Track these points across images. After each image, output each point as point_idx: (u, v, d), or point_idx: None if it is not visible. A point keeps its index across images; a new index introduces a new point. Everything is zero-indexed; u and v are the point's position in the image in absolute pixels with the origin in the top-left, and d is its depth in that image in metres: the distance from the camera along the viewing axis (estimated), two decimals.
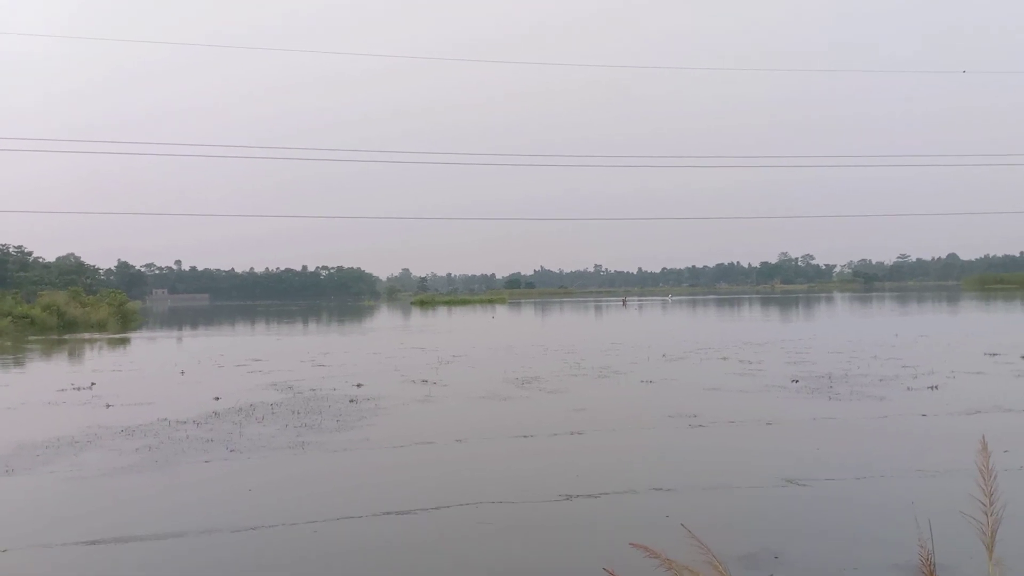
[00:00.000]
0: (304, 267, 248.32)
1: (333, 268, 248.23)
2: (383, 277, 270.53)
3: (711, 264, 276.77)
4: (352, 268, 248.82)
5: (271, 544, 6.47)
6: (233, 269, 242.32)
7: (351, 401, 14.28)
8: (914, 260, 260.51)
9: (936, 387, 14.42)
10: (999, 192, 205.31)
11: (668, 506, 7.20)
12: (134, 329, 48.67)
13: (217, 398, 14.97)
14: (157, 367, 23.21)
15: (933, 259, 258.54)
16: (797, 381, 15.74)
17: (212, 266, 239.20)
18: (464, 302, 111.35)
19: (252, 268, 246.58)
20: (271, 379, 18.20)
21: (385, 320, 59.87)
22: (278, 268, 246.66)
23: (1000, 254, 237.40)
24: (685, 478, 8.24)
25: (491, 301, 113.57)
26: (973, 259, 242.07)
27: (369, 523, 6.93)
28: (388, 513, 7.15)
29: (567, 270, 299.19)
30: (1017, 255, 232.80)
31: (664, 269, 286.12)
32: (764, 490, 7.78)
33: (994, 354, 20.16)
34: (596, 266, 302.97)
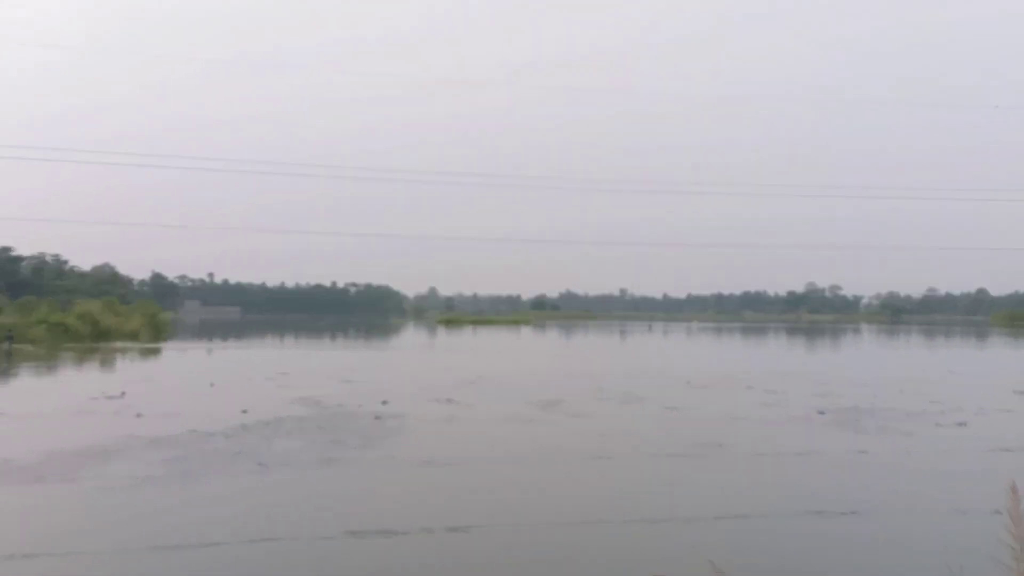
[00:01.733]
0: (333, 283, 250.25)
1: (362, 285, 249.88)
2: (410, 295, 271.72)
3: (737, 292, 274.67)
4: (380, 286, 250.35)
5: (297, 557, 6.56)
6: (264, 283, 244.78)
7: (376, 418, 14.41)
8: (943, 294, 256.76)
9: (965, 423, 14.26)
10: None
11: (694, 537, 7.21)
12: (166, 340, 49.25)
13: (245, 411, 15.10)
14: (187, 378, 23.46)
15: (962, 293, 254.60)
16: (823, 413, 15.62)
17: (244, 279, 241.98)
18: (490, 322, 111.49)
19: (283, 283, 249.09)
20: (299, 394, 18.36)
21: (411, 338, 60.14)
22: (308, 284, 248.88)
23: None
24: (712, 508, 8.23)
25: (516, 322, 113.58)
26: (1003, 295, 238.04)
27: (392, 540, 7.00)
28: (412, 532, 7.23)
29: (592, 293, 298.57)
30: None
31: (689, 295, 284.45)
32: (790, 522, 7.76)
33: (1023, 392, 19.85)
34: (621, 290, 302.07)
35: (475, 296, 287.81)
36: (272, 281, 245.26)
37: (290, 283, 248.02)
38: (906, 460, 10.99)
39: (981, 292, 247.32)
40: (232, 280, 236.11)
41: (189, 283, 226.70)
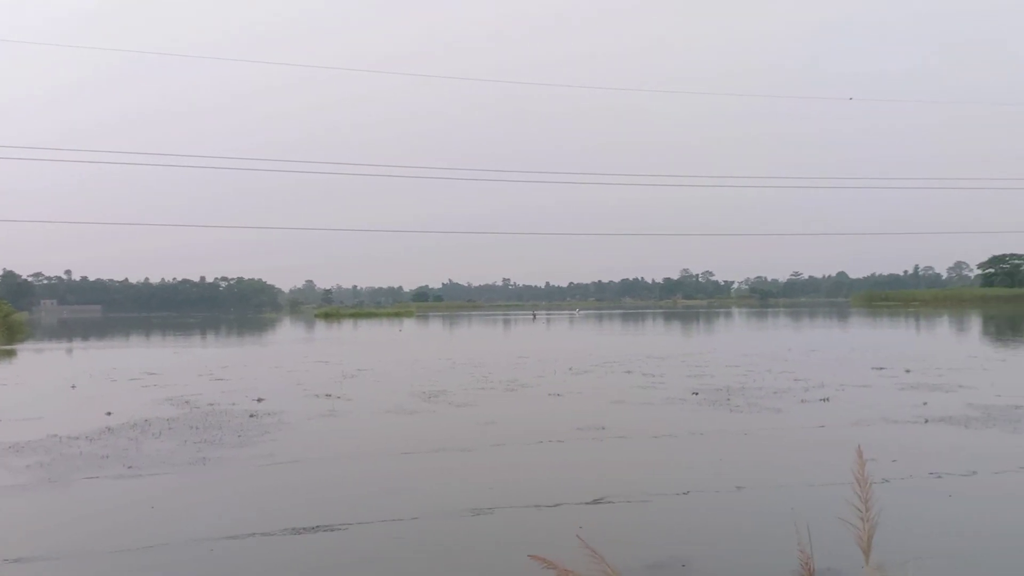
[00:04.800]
0: (202, 278, 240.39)
1: (233, 279, 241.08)
2: (286, 289, 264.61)
3: (616, 279, 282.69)
4: (253, 279, 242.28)
5: (174, 561, 6.16)
6: (127, 279, 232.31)
7: (251, 416, 13.83)
8: (806, 277, 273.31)
9: (827, 399, 15.05)
10: (885, 213, 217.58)
11: (582, 518, 7.23)
12: (20, 341, 45.98)
13: (110, 413, 14.27)
14: (46, 381, 21.98)
15: (824, 277, 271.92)
16: (697, 394, 16.16)
17: (105, 276, 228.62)
18: (370, 315, 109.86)
19: (147, 279, 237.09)
20: (167, 393, 17.46)
21: (287, 333, 58.44)
22: (175, 279, 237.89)
23: (886, 273, 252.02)
24: (596, 490, 8.29)
25: (398, 314, 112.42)
26: (861, 277, 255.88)
27: (275, 541, 6.68)
28: (295, 530, 6.93)
29: (476, 283, 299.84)
30: (901, 274, 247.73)
31: (571, 284, 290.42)
32: (672, 500, 7.91)
33: (880, 368, 21.22)
34: (505, 280, 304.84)
35: (355, 288, 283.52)
36: (136, 277, 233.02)
37: (155, 279, 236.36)
38: (775, 436, 11.46)
39: (841, 275, 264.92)
40: (92, 277, 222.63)
41: (44, 281, 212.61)
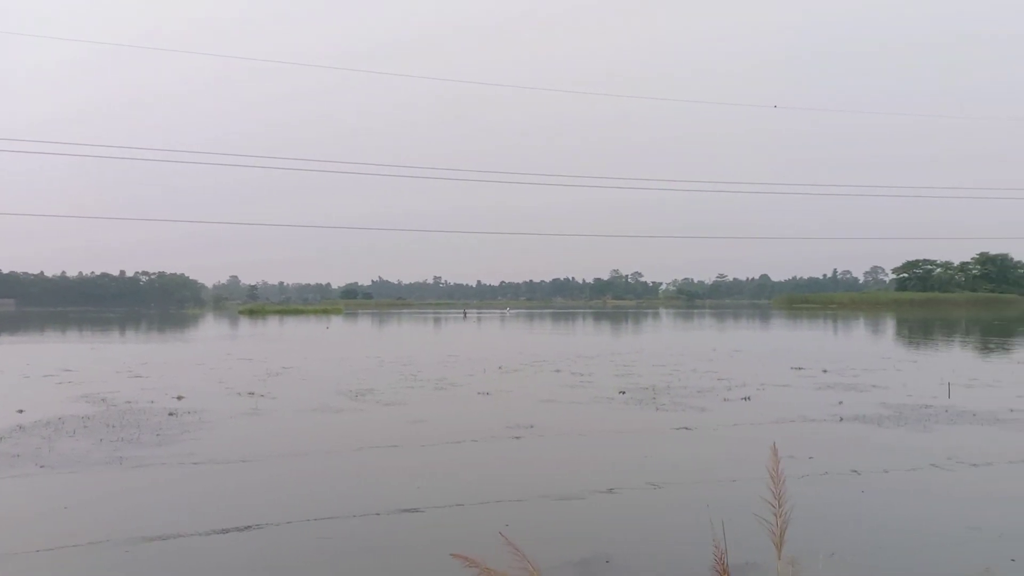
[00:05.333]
0: (122, 272, 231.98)
1: (154, 274, 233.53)
2: (209, 284, 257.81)
3: (548, 279, 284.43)
4: (175, 274, 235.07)
5: (88, 563, 5.92)
6: (43, 273, 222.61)
7: (171, 414, 13.42)
8: (731, 280, 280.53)
9: (749, 398, 15.45)
10: (806, 219, 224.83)
11: (509, 516, 7.23)
12: None
13: (21, 411, 13.70)
14: None
15: (748, 279, 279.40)
16: (624, 393, 16.37)
17: (19, 269, 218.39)
18: (297, 312, 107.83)
19: (64, 272, 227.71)
20: (83, 391, 16.80)
21: (210, 329, 56.92)
22: (94, 273, 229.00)
23: (806, 276, 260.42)
24: (524, 489, 8.31)
25: (326, 311, 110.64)
26: (783, 280, 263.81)
27: (197, 541, 6.49)
28: (215, 531, 6.74)
29: (406, 281, 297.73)
30: (821, 277, 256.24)
31: (503, 283, 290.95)
32: (598, 497, 7.98)
33: (799, 368, 21.90)
34: (435, 278, 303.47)
35: (281, 285, 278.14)
36: (52, 271, 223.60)
37: (72, 273, 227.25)
38: (697, 433, 11.70)
39: (764, 278, 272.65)
40: (5, 270, 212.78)
41: None
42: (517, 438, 11.31)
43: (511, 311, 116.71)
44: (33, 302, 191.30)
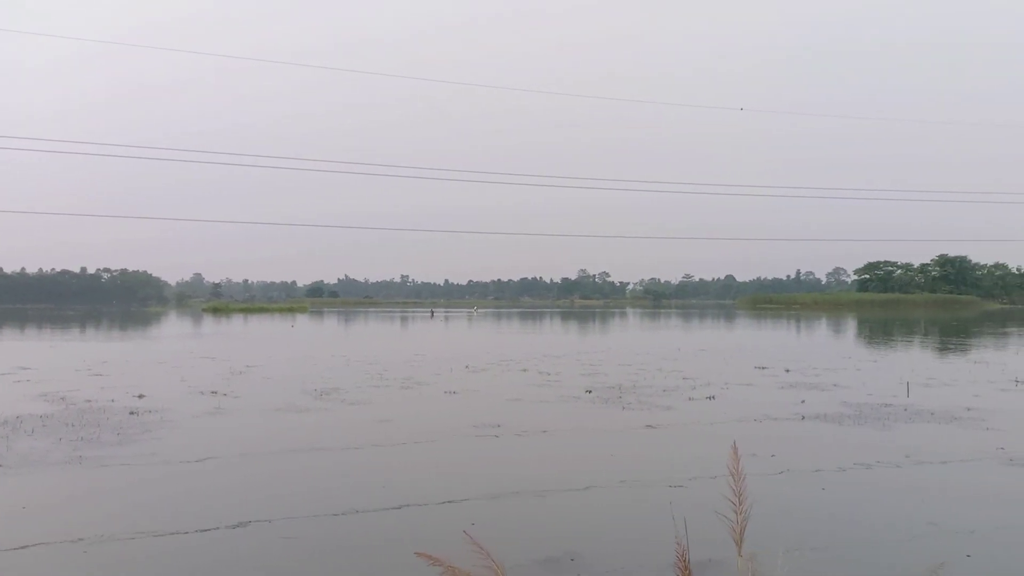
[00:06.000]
0: (83, 269, 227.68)
1: (116, 271, 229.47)
2: (172, 282, 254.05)
3: (516, 278, 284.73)
4: (138, 271, 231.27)
5: (46, 563, 5.82)
6: (1, 269, 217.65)
7: (132, 413, 13.20)
8: (697, 280, 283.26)
9: (713, 397, 15.61)
10: (771, 220, 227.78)
11: (475, 515, 7.23)
12: None
13: None
14: None
15: (713, 279, 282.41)
16: (591, 392, 16.45)
17: None
18: (262, 310, 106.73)
19: (23, 268, 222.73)
20: (41, 389, 16.47)
21: (172, 327, 56.11)
22: (53, 270, 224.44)
23: (770, 277, 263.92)
24: (491, 487, 8.32)
25: (291, 310, 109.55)
26: (748, 280, 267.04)
27: (160, 542, 6.39)
28: (176, 531, 6.64)
29: (373, 279, 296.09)
30: (784, 278, 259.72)
31: (471, 282, 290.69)
32: (563, 496, 8.02)
33: (763, 367, 22.18)
34: (403, 276, 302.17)
35: (246, 283, 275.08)
36: (10, 267, 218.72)
37: (32, 269, 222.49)
38: (662, 432, 11.80)
39: (729, 278, 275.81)
40: None
41: None
42: (484, 437, 11.31)
43: (479, 310, 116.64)
44: None
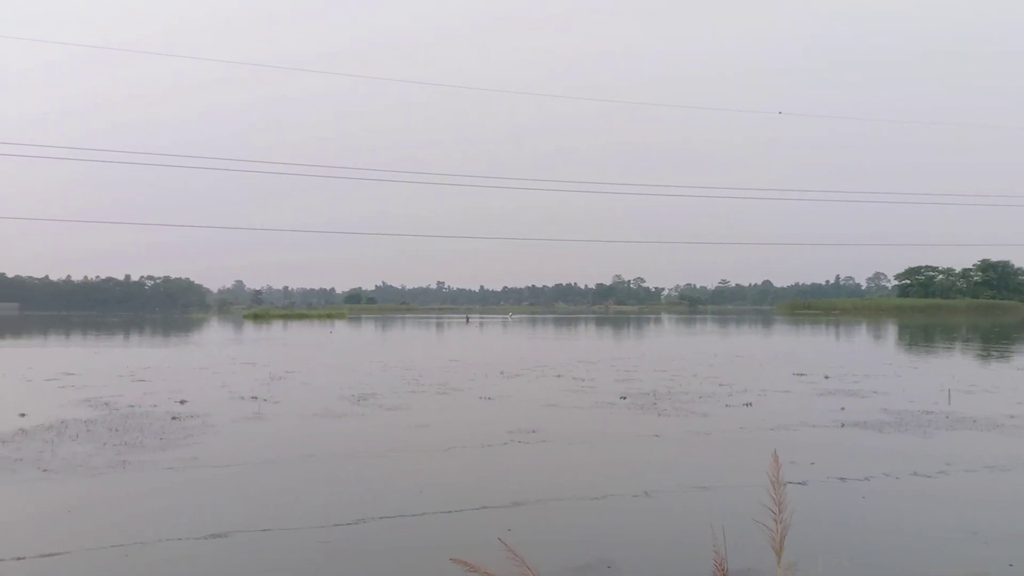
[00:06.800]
0: (127, 276, 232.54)
1: (159, 278, 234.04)
2: (214, 289, 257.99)
3: (550, 284, 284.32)
4: (180, 279, 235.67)
5: (88, 567, 5.98)
6: (47, 277, 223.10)
7: (174, 418, 13.46)
8: (733, 285, 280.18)
9: (750, 404, 15.47)
10: (809, 225, 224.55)
11: (511, 521, 7.27)
12: None
13: (23, 414, 13.75)
14: None
15: (750, 285, 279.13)
16: (625, 398, 16.39)
17: (24, 273, 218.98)
18: (301, 316, 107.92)
19: (69, 276, 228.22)
20: (85, 395, 16.85)
21: (214, 334, 56.99)
22: (98, 277, 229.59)
23: (808, 282, 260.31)
24: (527, 493, 8.35)
25: (330, 316, 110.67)
26: (785, 286, 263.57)
27: (199, 545, 6.53)
28: (216, 535, 6.78)
29: (409, 286, 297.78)
30: (823, 283, 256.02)
31: (505, 288, 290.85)
32: (599, 502, 8.02)
33: (801, 374, 21.90)
34: (439, 283, 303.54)
35: (286, 290, 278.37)
36: (56, 275, 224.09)
37: (77, 277, 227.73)
38: (703, 439, 11.72)
39: (766, 283, 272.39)
40: (10, 274, 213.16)
41: None
42: (519, 443, 11.34)
43: (513, 316, 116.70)
44: (37, 306, 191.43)
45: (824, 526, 7.05)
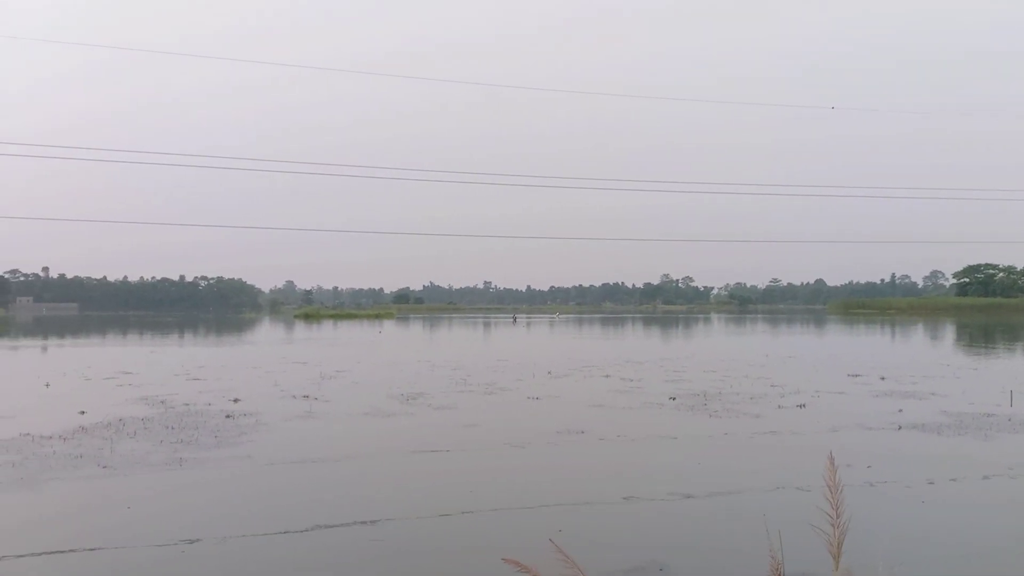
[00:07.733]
0: (182, 277, 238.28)
1: (213, 279, 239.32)
2: (266, 289, 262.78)
3: (597, 284, 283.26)
4: (233, 279, 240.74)
5: (146, 562, 6.12)
6: (105, 277, 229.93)
7: (228, 417, 13.74)
8: (785, 284, 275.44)
9: (804, 405, 15.19)
10: (863, 222, 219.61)
11: (561, 522, 7.26)
12: None
13: (84, 412, 14.14)
14: (19, 378, 21.69)
15: (802, 284, 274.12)
16: (675, 399, 16.24)
17: (83, 274, 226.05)
18: (351, 316, 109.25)
19: (126, 277, 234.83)
20: (142, 393, 17.30)
21: (266, 333, 58.03)
22: (154, 278, 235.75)
23: (863, 281, 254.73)
24: (577, 494, 8.33)
25: (378, 316, 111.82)
26: (838, 285, 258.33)
27: (254, 541, 6.66)
28: (275, 531, 6.90)
29: (456, 286, 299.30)
30: (878, 282, 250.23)
31: (552, 287, 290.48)
32: (650, 504, 7.96)
33: (856, 375, 21.44)
34: (486, 283, 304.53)
35: (335, 290, 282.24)
36: (114, 275, 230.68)
37: (134, 277, 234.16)
38: (754, 441, 11.55)
39: (819, 282, 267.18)
40: (69, 275, 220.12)
41: (21, 278, 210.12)
42: (568, 443, 11.31)
43: (560, 316, 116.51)
44: (95, 306, 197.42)
45: (882, 532, 6.88)
